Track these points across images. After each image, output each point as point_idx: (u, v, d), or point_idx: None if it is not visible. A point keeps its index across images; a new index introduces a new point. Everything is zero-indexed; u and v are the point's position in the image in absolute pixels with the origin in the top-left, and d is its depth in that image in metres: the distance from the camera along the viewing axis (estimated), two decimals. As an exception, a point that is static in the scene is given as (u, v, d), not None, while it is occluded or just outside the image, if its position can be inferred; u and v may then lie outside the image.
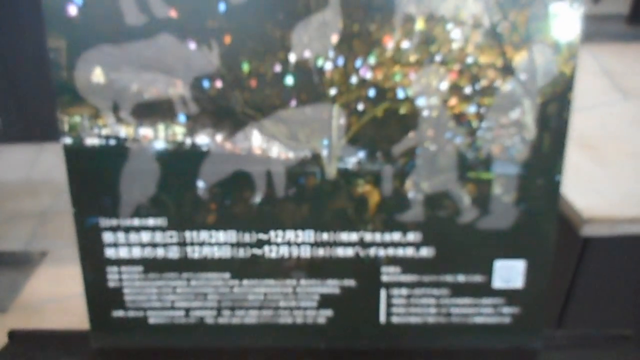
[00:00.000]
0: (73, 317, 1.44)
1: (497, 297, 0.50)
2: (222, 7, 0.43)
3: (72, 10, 0.43)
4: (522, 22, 0.43)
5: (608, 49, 1.23)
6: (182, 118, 0.45)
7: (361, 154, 0.46)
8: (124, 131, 0.46)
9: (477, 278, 0.50)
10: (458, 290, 0.50)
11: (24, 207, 1.97)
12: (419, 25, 0.43)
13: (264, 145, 0.46)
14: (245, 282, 0.50)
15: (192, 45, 0.44)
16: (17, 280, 1.64)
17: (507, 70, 0.44)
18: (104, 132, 0.46)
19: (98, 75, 0.44)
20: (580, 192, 0.72)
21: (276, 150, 0.46)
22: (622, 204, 0.70)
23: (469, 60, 0.44)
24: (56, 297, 1.57)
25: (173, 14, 0.43)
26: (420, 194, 0.47)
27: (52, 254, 1.74)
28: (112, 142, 0.46)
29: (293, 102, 0.45)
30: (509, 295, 0.50)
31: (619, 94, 1.02)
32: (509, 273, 0.50)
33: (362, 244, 0.49)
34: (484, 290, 0.50)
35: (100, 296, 0.51)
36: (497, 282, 0.50)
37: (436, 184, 0.47)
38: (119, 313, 0.51)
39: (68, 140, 0.46)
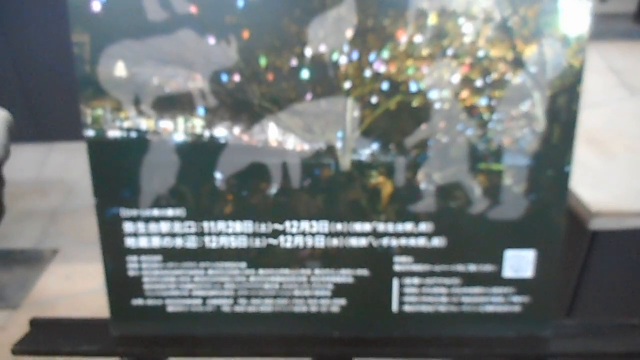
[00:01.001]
0: (84, 313, 1.46)
1: (508, 286, 0.51)
2: (240, 2, 0.44)
3: (96, 6, 0.45)
4: (532, 16, 0.44)
5: (615, 46, 1.24)
6: (201, 111, 0.47)
7: (374, 146, 0.48)
8: (144, 124, 0.47)
9: (488, 267, 0.51)
10: (469, 279, 0.51)
11: (34, 205, 2.00)
12: (432, 19, 0.44)
13: (280, 137, 0.48)
14: (261, 271, 0.52)
15: (212, 40, 0.45)
16: (28, 278, 1.66)
17: (518, 63, 0.45)
18: (126, 124, 0.47)
19: (120, 69, 0.46)
20: (588, 187, 0.73)
21: (292, 142, 0.48)
22: (629, 198, 0.71)
23: (480, 53, 0.45)
24: (67, 293, 1.59)
25: (193, 9, 0.45)
26: (432, 185, 0.48)
27: (63, 251, 1.77)
28: (133, 134, 0.47)
29: (308, 95, 0.46)
30: (519, 285, 0.51)
31: (626, 91, 1.03)
32: (519, 262, 0.51)
33: (375, 234, 0.50)
34: (495, 279, 0.51)
35: (120, 285, 0.52)
36: (508, 272, 0.51)
37: (448, 175, 0.48)
38: (138, 301, 0.53)
39: (90, 133, 0.47)
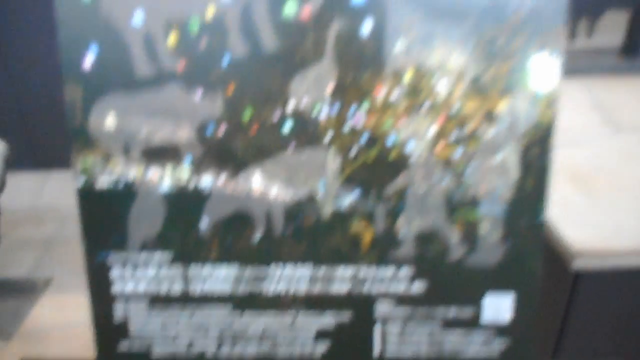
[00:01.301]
0: (77, 344, 1.45)
1: (487, 330, 0.52)
2: (226, 59, 0.47)
3: (88, 62, 0.47)
4: (504, 73, 0.46)
5: (601, 82, 1.26)
6: (187, 160, 0.49)
7: (355, 195, 0.49)
8: (133, 173, 0.49)
9: (467, 312, 0.52)
10: (449, 324, 0.52)
11: (29, 234, 2.00)
12: (408, 76, 0.47)
13: (264, 186, 0.49)
14: (245, 315, 0.53)
15: (198, 94, 0.47)
16: (21, 307, 1.66)
17: (491, 117, 0.47)
18: (115, 174, 0.49)
19: (110, 122, 0.48)
20: (570, 226, 0.74)
21: (275, 191, 0.49)
22: (613, 237, 0.72)
23: (455, 108, 0.47)
24: (60, 324, 1.59)
25: (180, 66, 0.47)
26: (411, 232, 0.50)
27: (57, 281, 1.77)
28: (122, 183, 0.49)
29: (291, 147, 0.48)
30: (499, 329, 0.52)
31: (611, 127, 1.05)
32: (498, 307, 0.52)
33: (357, 279, 0.51)
34: (474, 324, 0.52)
35: (107, 329, 0.53)
36: (487, 316, 0.52)
37: (426, 223, 0.50)
38: (124, 346, 0.53)
39: (81, 181, 0.49)
